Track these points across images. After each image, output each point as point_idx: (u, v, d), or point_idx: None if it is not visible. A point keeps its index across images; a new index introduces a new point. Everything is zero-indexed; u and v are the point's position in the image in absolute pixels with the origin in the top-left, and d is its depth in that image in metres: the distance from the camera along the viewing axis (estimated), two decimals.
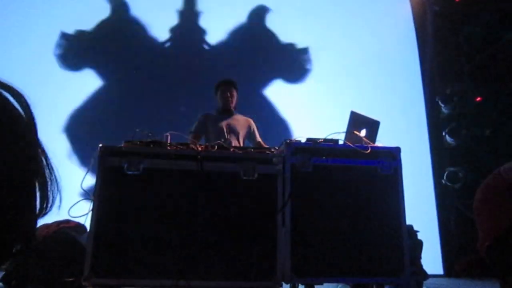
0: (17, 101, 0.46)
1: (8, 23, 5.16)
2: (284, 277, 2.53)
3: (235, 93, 3.87)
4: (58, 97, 5.05)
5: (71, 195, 2.46)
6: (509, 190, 1.44)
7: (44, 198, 0.47)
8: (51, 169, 0.48)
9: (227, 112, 3.84)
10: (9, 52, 5.01)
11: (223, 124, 3.73)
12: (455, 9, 5.92)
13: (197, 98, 5.24)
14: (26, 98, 0.46)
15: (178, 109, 5.34)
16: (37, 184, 0.46)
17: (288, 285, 2.79)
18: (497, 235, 1.42)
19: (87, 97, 5.25)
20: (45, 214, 0.47)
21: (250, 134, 3.86)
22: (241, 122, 3.85)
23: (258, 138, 3.89)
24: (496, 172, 1.50)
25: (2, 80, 0.46)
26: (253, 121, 3.97)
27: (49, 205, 0.47)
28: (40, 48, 5.27)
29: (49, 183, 0.47)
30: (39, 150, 0.47)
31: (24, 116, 0.46)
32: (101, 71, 5.45)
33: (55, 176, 0.48)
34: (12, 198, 0.43)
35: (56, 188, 0.48)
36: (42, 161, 0.47)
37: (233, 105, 3.86)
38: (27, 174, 0.44)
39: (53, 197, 0.47)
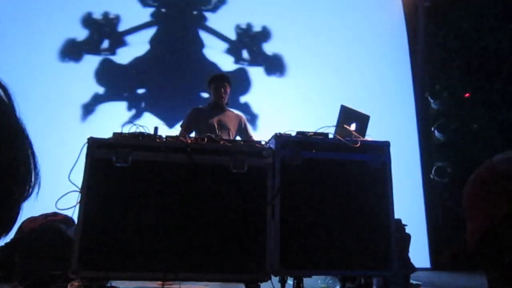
0: (1, 90, 0.45)
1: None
2: (273, 269, 2.53)
3: (228, 89, 3.83)
4: (49, 87, 4.99)
5: (59, 187, 2.44)
6: (502, 182, 1.44)
7: (26, 184, 0.46)
8: (33, 155, 0.47)
9: (219, 108, 3.80)
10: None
11: (214, 120, 3.70)
12: (445, 5, 5.95)
13: (186, 93, 5.21)
14: (6, 85, 0.45)
15: (167, 103, 5.30)
16: (19, 171, 0.45)
17: (277, 278, 2.80)
18: (489, 228, 1.43)
19: (76, 90, 5.19)
20: (26, 199, 0.47)
21: (241, 130, 3.84)
22: (232, 118, 3.82)
23: (250, 133, 3.87)
24: (488, 164, 1.50)
25: None
26: (244, 116, 3.95)
27: (30, 191, 0.47)
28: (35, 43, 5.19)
29: (32, 169, 0.46)
30: (24, 137, 0.46)
31: (6, 102, 0.45)
32: (93, 65, 5.39)
33: (36, 163, 0.47)
34: None
35: (36, 175, 0.47)
36: (26, 148, 0.46)
37: (225, 101, 3.83)
38: (11, 161, 0.44)
39: (33, 183, 0.47)
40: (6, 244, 3.02)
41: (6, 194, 0.44)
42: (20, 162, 0.45)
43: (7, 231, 0.45)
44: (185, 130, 3.64)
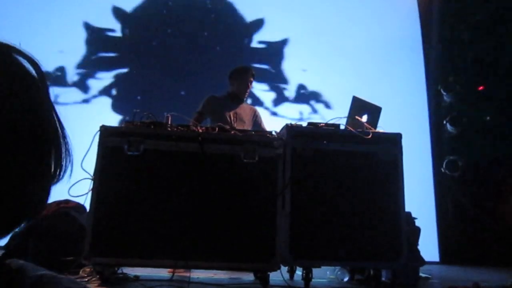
0: (33, 68, 0.45)
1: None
2: (282, 259, 2.55)
3: (252, 84, 3.80)
4: (58, 74, 5.02)
5: (71, 174, 2.46)
6: None
7: (58, 166, 0.47)
8: (65, 137, 0.47)
9: (237, 100, 3.75)
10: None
11: (231, 111, 3.66)
12: None
13: (197, 82, 5.21)
14: (41, 66, 0.46)
15: (178, 92, 5.31)
16: (52, 152, 0.45)
17: (286, 268, 2.81)
18: None
19: (88, 78, 5.22)
20: (57, 182, 0.47)
21: (255, 123, 3.81)
22: (247, 111, 3.79)
23: (263, 127, 3.83)
24: None
25: (18, 47, 0.45)
26: (257, 110, 3.92)
27: (62, 172, 0.47)
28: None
29: (63, 150, 0.47)
30: (56, 118, 0.47)
31: (38, 79, 0.45)
32: (103, 54, 5.41)
33: (68, 144, 0.48)
34: (29, 164, 0.43)
35: (69, 156, 0.47)
36: (58, 129, 0.47)
37: (247, 95, 3.80)
38: (45, 141, 0.44)
39: (65, 165, 0.47)
40: (20, 230, 3.07)
41: (45, 171, 0.45)
42: (57, 142, 0.46)
43: (39, 211, 0.46)
44: (199, 116, 3.61)
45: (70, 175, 0.49)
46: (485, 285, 2.73)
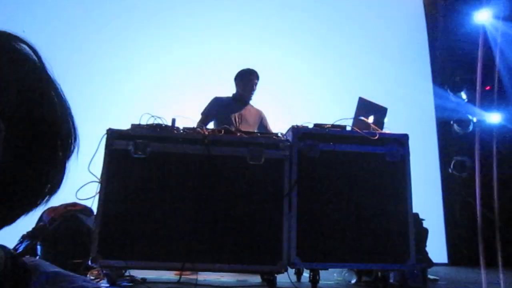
0: (33, 53, 0.47)
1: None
2: (289, 261, 2.54)
3: (256, 85, 3.80)
4: (65, 75, 5.05)
5: (78, 177, 2.47)
6: None
7: (69, 141, 0.48)
8: (70, 114, 0.49)
9: (242, 102, 3.76)
10: None
11: (236, 113, 3.66)
12: None
13: (204, 84, 5.22)
14: (35, 47, 0.47)
15: (184, 94, 5.32)
16: (63, 128, 0.47)
17: (293, 270, 2.80)
18: None
19: (95, 80, 5.25)
20: (68, 159, 0.49)
21: (261, 125, 3.81)
22: (253, 113, 3.80)
23: (269, 129, 3.83)
24: None
25: (17, 34, 0.46)
26: (263, 112, 3.92)
27: (72, 149, 0.49)
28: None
29: (71, 127, 0.48)
30: (61, 96, 0.48)
31: (37, 62, 0.47)
32: (109, 56, 5.44)
33: (74, 121, 0.49)
34: (43, 145, 0.45)
35: (75, 133, 0.49)
36: (65, 105, 0.48)
37: (252, 97, 3.80)
38: (54, 117, 0.46)
39: (74, 141, 0.49)
40: (28, 233, 3.09)
41: (52, 150, 0.46)
42: (63, 119, 0.46)
43: (55, 189, 0.47)
44: (205, 118, 3.62)
45: (78, 152, 0.49)
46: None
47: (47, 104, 0.45)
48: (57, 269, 0.47)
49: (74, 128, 0.48)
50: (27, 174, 0.43)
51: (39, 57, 0.47)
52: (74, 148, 0.48)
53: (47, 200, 0.47)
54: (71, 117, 0.48)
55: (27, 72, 0.44)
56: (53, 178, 0.46)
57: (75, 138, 0.48)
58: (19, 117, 0.42)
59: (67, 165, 0.48)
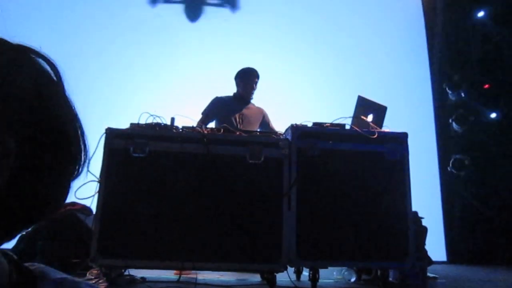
0: (50, 68, 0.46)
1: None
2: (288, 260, 2.54)
3: (257, 85, 3.79)
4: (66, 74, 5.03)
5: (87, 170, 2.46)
6: None
7: (77, 163, 0.47)
8: (82, 134, 0.48)
9: (243, 101, 3.75)
10: None
11: (237, 112, 3.66)
12: None
13: (203, 84, 5.22)
14: (54, 62, 0.47)
15: (184, 93, 5.31)
16: (71, 150, 0.46)
17: (293, 269, 2.81)
18: None
19: (93, 79, 5.24)
20: (74, 179, 0.48)
21: (263, 124, 3.80)
22: (254, 111, 3.79)
23: (272, 127, 3.81)
24: None
25: (35, 48, 0.46)
26: (265, 110, 3.91)
27: (80, 170, 0.48)
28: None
29: (82, 148, 0.47)
30: (74, 115, 0.48)
31: (55, 80, 0.46)
32: (109, 55, 5.43)
33: (85, 141, 0.48)
34: (50, 161, 0.43)
35: (86, 153, 0.48)
36: (77, 126, 0.47)
37: (253, 96, 3.80)
38: (63, 136, 0.45)
39: (84, 162, 0.48)
40: (27, 232, 3.09)
41: (60, 171, 0.45)
42: (73, 140, 0.46)
43: (57, 207, 0.46)
44: (205, 118, 3.62)
45: (87, 170, 0.49)
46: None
47: (61, 124, 0.44)
48: (63, 275, 0.47)
49: (86, 149, 0.48)
50: (33, 194, 0.42)
51: (56, 72, 0.46)
52: (82, 169, 0.48)
53: (48, 217, 0.47)
54: (84, 137, 0.48)
55: (42, 88, 0.44)
56: (57, 197, 0.46)
57: (85, 160, 0.48)
58: (30, 135, 0.41)
59: (72, 184, 0.48)
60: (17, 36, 0.45)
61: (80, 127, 0.47)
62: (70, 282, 0.46)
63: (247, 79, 3.73)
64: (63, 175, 0.45)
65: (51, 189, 0.44)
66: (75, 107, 0.48)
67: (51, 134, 0.43)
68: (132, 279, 2.67)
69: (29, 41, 0.46)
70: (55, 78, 0.46)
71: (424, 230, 3.34)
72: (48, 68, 0.46)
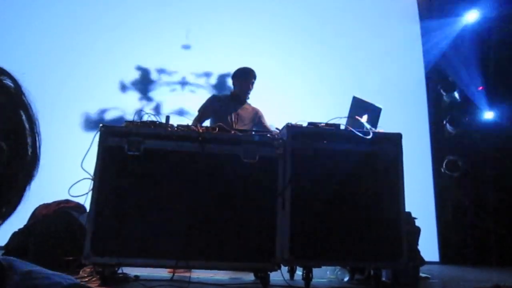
0: (11, 81, 0.48)
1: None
2: (282, 259, 2.55)
3: (253, 85, 3.80)
4: (60, 75, 5.01)
5: (71, 174, 2.46)
6: None
7: (31, 171, 0.49)
8: (38, 142, 0.50)
9: (239, 101, 3.75)
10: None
11: (233, 112, 3.66)
12: None
13: (201, 84, 5.21)
14: (16, 77, 0.48)
15: (181, 93, 5.31)
16: (26, 160, 0.48)
17: (286, 268, 2.81)
18: None
19: (90, 77, 5.21)
20: (29, 184, 0.49)
21: (258, 124, 3.80)
22: (249, 111, 3.79)
23: (267, 125, 3.81)
24: None
25: None
26: (261, 110, 3.91)
27: (33, 175, 0.49)
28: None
29: (37, 158, 0.49)
30: (30, 124, 0.49)
31: (14, 92, 0.47)
32: (104, 52, 5.41)
33: (39, 148, 0.50)
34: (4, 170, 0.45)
35: (38, 160, 0.50)
36: (33, 135, 0.49)
37: (249, 96, 3.81)
38: (19, 151, 0.47)
39: (36, 168, 0.50)
40: (20, 229, 3.07)
41: (14, 180, 0.46)
42: (30, 149, 0.47)
43: (10, 213, 0.48)
44: (201, 116, 3.62)
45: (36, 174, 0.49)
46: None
47: (18, 136, 0.46)
48: (31, 267, 0.48)
49: (38, 158, 0.49)
50: None
51: (17, 86, 0.47)
52: (35, 175, 0.49)
53: (0, 224, 0.47)
54: (39, 146, 0.49)
55: (2, 104, 0.45)
56: (10, 202, 0.46)
57: (37, 166, 0.49)
58: None
59: (27, 189, 0.49)
60: None
61: (38, 135, 0.49)
62: (37, 273, 0.47)
63: (244, 79, 3.74)
64: (16, 181, 0.47)
65: (5, 195, 0.45)
66: (36, 115, 0.49)
67: (8, 144, 0.45)
68: (126, 277, 2.66)
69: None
70: (13, 89, 0.47)
71: (417, 230, 3.36)
72: (9, 83, 0.47)
